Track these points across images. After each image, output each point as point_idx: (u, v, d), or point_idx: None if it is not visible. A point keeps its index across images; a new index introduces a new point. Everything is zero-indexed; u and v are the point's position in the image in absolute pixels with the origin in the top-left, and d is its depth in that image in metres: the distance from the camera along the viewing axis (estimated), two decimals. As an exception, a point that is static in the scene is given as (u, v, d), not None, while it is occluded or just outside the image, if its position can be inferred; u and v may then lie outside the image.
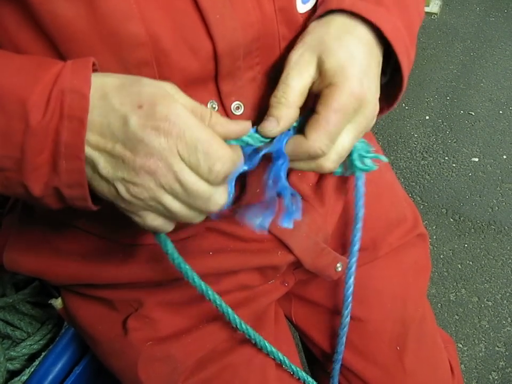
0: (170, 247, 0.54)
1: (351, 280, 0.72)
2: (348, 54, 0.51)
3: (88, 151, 0.44)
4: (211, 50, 0.51)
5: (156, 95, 0.43)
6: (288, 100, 0.50)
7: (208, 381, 0.70)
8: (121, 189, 0.45)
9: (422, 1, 0.64)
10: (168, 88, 0.45)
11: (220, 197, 0.47)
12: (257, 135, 0.51)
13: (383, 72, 0.58)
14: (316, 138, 0.49)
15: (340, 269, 0.75)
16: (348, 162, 0.61)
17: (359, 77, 0.51)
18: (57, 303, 0.80)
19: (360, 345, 0.80)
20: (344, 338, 0.75)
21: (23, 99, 0.42)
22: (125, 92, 0.43)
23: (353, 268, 0.71)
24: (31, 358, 0.94)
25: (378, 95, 0.54)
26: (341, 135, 0.51)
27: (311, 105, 0.53)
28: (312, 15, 0.59)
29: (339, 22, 0.53)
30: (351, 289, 0.72)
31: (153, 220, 0.47)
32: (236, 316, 0.63)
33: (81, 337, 0.85)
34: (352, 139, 0.53)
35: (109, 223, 0.64)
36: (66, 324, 0.94)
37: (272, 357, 0.71)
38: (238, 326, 0.64)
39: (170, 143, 0.43)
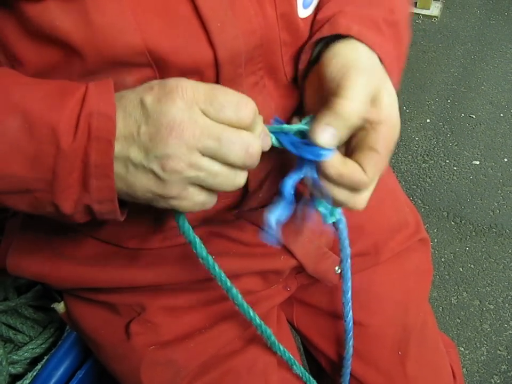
0: (191, 232, 0.54)
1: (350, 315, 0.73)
2: (393, 99, 0.52)
3: (117, 147, 0.45)
4: (212, 58, 0.51)
5: (164, 79, 0.45)
6: (354, 121, 0.49)
7: (211, 386, 0.71)
8: (157, 168, 0.44)
9: (408, 33, 0.65)
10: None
11: (255, 140, 0.47)
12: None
13: None
14: (370, 172, 0.49)
15: (338, 271, 0.75)
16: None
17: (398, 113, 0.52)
18: (60, 307, 0.80)
19: (362, 350, 0.80)
20: (351, 346, 0.75)
21: (53, 124, 0.44)
22: (138, 88, 0.46)
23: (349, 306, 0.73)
24: (33, 361, 0.94)
25: None
26: None
27: None
28: (313, 19, 0.59)
29: (367, 55, 0.54)
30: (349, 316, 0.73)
31: (198, 195, 0.47)
32: (250, 310, 0.64)
33: (84, 341, 0.85)
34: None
35: (112, 227, 0.64)
36: (69, 328, 0.94)
37: (285, 358, 0.71)
38: (252, 320, 0.65)
39: (188, 103, 0.44)
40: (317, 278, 0.74)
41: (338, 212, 0.61)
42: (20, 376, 0.91)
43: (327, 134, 0.48)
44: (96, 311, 0.74)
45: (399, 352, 0.80)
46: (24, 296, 0.96)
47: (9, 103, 0.44)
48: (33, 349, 0.94)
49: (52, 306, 0.82)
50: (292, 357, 0.71)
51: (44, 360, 0.90)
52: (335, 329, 0.82)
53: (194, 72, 0.51)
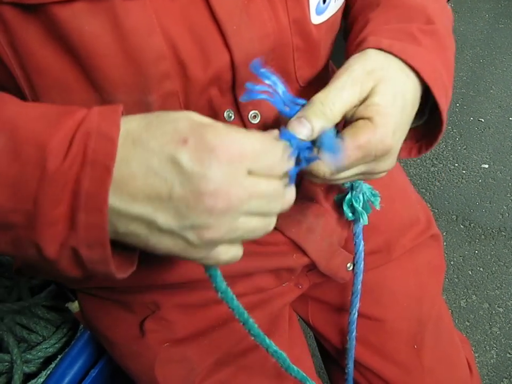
0: (223, 284, 0.50)
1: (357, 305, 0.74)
2: (394, 99, 0.50)
3: (139, 208, 0.39)
4: (228, 61, 0.52)
5: (194, 125, 0.39)
6: (334, 114, 0.48)
7: (224, 382, 0.71)
8: (192, 237, 0.39)
9: (452, 37, 0.63)
10: (195, 116, 0.41)
11: (291, 192, 0.45)
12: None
13: (422, 111, 0.58)
14: (326, 166, 0.48)
15: (350, 268, 0.76)
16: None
17: (395, 128, 0.49)
18: (74, 306, 0.82)
19: (378, 344, 0.81)
20: (354, 335, 0.76)
21: (42, 143, 0.38)
22: (159, 132, 0.39)
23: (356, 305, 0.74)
24: (47, 361, 0.95)
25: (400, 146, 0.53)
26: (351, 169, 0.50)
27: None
28: (328, 26, 0.60)
29: (396, 64, 0.52)
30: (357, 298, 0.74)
31: (226, 253, 0.43)
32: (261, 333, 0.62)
33: (97, 340, 0.86)
34: (355, 177, 0.52)
35: None
36: (82, 328, 0.95)
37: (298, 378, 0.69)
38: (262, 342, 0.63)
39: (235, 165, 0.39)
40: (329, 275, 0.74)
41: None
42: (34, 375, 0.92)
43: (303, 127, 0.47)
44: (110, 309, 0.74)
45: (415, 345, 0.80)
46: (37, 297, 0.98)
47: None
48: (46, 348, 0.95)
49: (66, 305, 0.83)
50: (305, 375, 0.71)
51: (58, 359, 0.91)
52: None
53: (211, 77, 0.52)
